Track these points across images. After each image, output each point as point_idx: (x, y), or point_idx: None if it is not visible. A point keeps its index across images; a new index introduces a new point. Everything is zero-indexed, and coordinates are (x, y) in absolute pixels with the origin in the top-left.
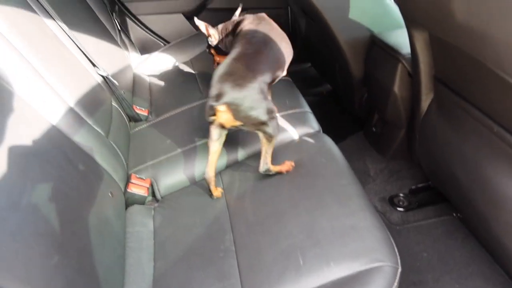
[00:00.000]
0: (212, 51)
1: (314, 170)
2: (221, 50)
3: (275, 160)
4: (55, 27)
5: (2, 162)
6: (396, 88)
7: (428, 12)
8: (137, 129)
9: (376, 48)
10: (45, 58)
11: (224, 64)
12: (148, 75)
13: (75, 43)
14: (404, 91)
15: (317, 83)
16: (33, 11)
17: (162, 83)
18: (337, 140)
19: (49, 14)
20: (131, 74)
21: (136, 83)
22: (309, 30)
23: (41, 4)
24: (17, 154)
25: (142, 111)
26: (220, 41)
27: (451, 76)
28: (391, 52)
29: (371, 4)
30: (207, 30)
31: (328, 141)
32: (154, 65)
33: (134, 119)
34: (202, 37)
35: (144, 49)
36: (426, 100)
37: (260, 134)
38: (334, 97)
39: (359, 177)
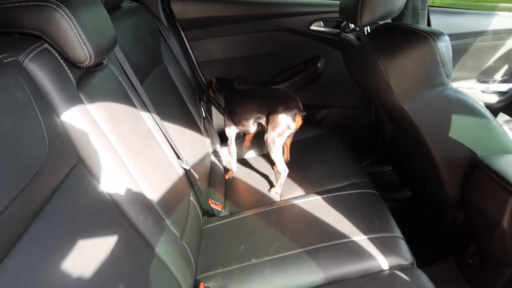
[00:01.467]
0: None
1: None
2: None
3: None
4: (149, 119)
5: (77, 273)
6: (505, 223)
7: None
8: (209, 225)
9: (479, 172)
10: (135, 153)
11: None
12: (225, 165)
13: (165, 136)
14: None
15: (395, 188)
16: (133, 104)
17: (238, 175)
18: (420, 262)
19: (146, 107)
20: (209, 163)
21: (212, 173)
22: (396, 135)
23: (141, 98)
24: (96, 259)
25: (216, 206)
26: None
27: None
28: (499, 181)
29: (475, 124)
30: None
31: (425, 281)
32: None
33: (208, 213)
34: None
35: (225, 137)
36: None
37: None
38: (415, 207)
39: None
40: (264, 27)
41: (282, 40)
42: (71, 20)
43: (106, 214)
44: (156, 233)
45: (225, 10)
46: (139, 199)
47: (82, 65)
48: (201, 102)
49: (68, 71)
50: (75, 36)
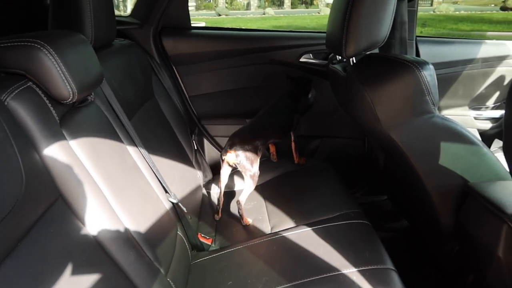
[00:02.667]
0: None
1: None
2: None
3: None
4: (136, 154)
5: None
6: (500, 252)
7: None
8: (198, 260)
9: (471, 200)
10: (119, 189)
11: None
12: (218, 198)
13: (153, 170)
14: (511, 256)
15: (392, 218)
16: (119, 139)
17: (229, 207)
18: None
19: (134, 142)
20: (200, 196)
21: (203, 206)
22: (389, 164)
23: (128, 132)
24: None
25: (206, 240)
26: None
27: None
28: (492, 209)
29: (465, 151)
30: None
31: None
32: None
33: (197, 248)
34: (273, 162)
35: (217, 169)
36: None
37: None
38: (412, 237)
39: None
40: (255, 61)
41: (273, 73)
42: (55, 59)
43: (85, 251)
44: (139, 270)
45: (216, 45)
46: (121, 235)
47: (65, 102)
48: (193, 135)
49: (51, 108)
50: (59, 74)
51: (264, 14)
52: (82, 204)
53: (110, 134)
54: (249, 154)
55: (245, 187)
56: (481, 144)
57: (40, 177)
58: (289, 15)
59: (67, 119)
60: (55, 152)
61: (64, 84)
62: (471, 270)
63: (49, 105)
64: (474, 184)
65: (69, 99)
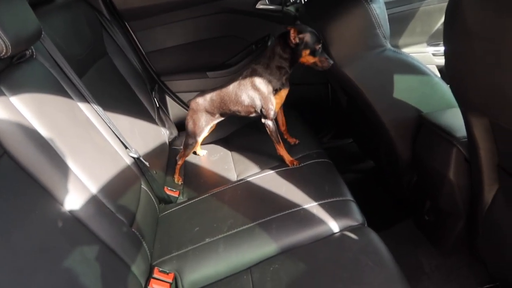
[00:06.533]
0: None
1: (358, 276)
2: None
3: (312, 257)
4: (88, 111)
5: (9, 261)
6: (451, 175)
7: (489, 100)
8: (166, 212)
9: (425, 129)
10: (71, 143)
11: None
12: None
13: (108, 126)
14: (461, 178)
15: (358, 159)
16: (68, 95)
17: (196, 161)
18: (382, 227)
19: (85, 98)
20: (166, 153)
21: (170, 162)
22: (350, 106)
23: (77, 88)
24: (27, 251)
25: (172, 193)
26: None
27: None
28: (443, 134)
29: (418, 82)
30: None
31: (375, 238)
32: None
33: (165, 201)
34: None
35: (182, 125)
36: (490, 191)
37: None
38: (377, 175)
39: (411, 274)
40: (210, 10)
41: (231, 22)
42: None
43: (38, 205)
44: (99, 220)
45: None
46: (76, 187)
47: None
48: (153, 92)
49: None
50: None
51: None
52: (31, 160)
53: (57, 90)
54: (194, 115)
55: None
56: (432, 74)
57: None
58: None
59: (6, 75)
60: None
61: None
62: (428, 197)
63: None
64: (427, 114)
65: (3, 53)
